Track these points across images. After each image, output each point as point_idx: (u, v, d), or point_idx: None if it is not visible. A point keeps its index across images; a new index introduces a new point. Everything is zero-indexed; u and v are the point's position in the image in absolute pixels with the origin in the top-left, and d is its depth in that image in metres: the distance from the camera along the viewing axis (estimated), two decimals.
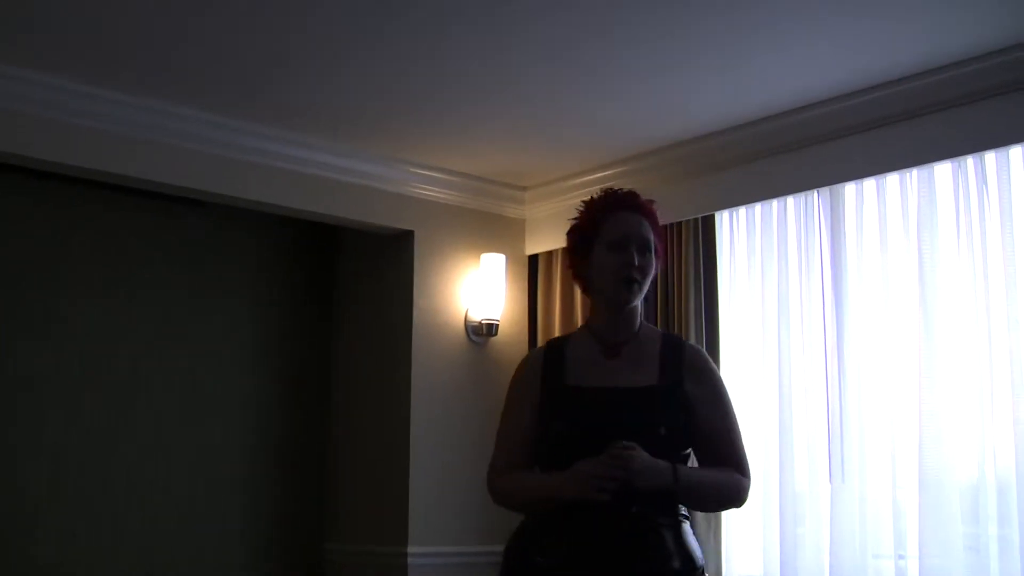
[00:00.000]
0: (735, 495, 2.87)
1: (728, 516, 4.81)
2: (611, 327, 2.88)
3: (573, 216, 2.93)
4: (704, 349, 4.88)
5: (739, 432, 2.90)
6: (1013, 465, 4.00)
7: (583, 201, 2.93)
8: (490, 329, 5.50)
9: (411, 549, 5.13)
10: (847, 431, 4.45)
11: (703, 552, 4.64)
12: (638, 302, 2.88)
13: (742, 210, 4.99)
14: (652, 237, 2.86)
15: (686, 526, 2.77)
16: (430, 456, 5.25)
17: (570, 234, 2.94)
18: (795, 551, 4.55)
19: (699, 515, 4.76)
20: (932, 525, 4.14)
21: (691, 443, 2.82)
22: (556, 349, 2.94)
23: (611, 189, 2.93)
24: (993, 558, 4.02)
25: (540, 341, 5.66)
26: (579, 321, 5.50)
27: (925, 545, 4.15)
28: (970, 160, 4.22)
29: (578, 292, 5.51)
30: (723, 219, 5.05)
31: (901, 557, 4.24)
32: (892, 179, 4.46)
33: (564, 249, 3.01)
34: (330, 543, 5.63)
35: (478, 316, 5.51)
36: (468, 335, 5.52)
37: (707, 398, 2.85)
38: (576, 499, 2.66)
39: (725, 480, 2.83)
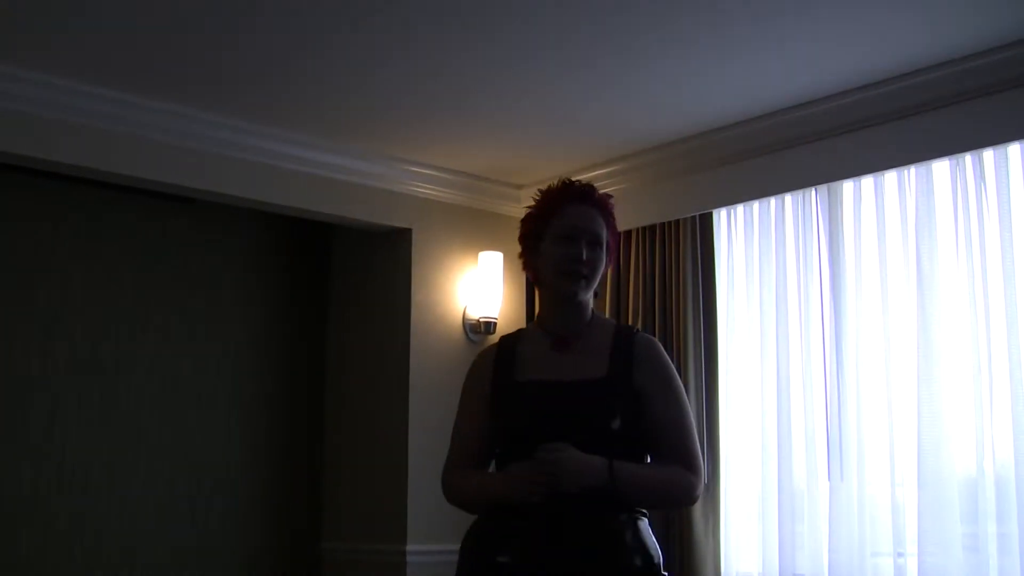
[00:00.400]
0: (681, 493, 2.76)
1: (727, 514, 4.81)
2: (560, 320, 2.83)
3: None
4: (705, 348, 4.94)
5: (691, 426, 2.80)
6: (1012, 462, 4.00)
7: (539, 190, 2.89)
8: (488, 327, 5.49)
9: (410, 547, 5.13)
10: (845, 429, 4.45)
11: (701, 550, 4.72)
12: (587, 296, 2.82)
13: (739, 208, 4.99)
14: (604, 233, 2.81)
15: (644, 523, 2.71)
16: (428, 454, 5.22)
17: (522, 224, 2.90)
18: (794, 549, 4.55)
19: (697, 514, 4.77)
20: (931, 523, 4.14)
21: (643, 436, 2.75)
22: (508, 345, 2.90)
23: (568, 180, 2.88)
24: (992, 556, 4.03)
25: None
26: None
27: (924, 543, 4.15)
28: (968, 157, 4.22)
29: None
30: (721, 217, 5.05)
31: (900, 555, 4.25)
32: (890, 177, 4.46)
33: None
34: (328, 542, 5.62)
35: (476, 314, 5.51)
36: (466, 333, 5.51)
37: (658, 390, 2.77)
38: (511, 501, 2.63)
39: (669, 477, 2.73)
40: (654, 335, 5.04)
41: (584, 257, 2.76)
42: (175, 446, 5.21)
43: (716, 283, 4.98)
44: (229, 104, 4.65)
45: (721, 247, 5.03)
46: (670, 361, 2.86)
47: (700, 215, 5.04)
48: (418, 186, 5.42)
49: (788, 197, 4.78)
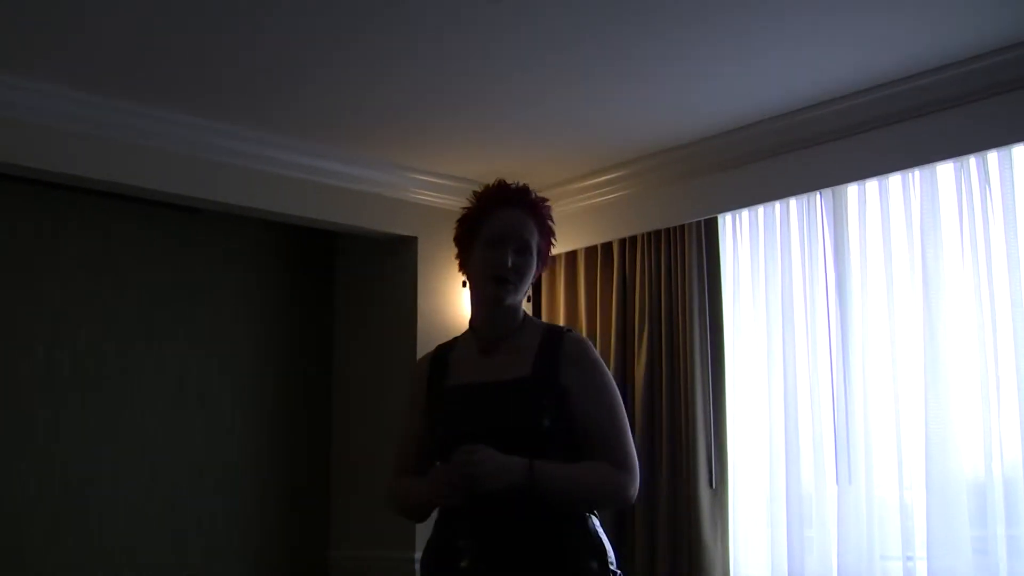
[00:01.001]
0: (611, 492, 2.67)
1: (735, 519, 4.80)
2: (488, 324, 2.80)
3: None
4: (711, 353, 4.94)
5: (623, 425, 2.71)
6: (1020, 464, 4.00)
7: (473, 191, 2.86)
8: None
9: (419, 555, 5.08)
10: (853, 433, 4.44)
11: (710, 555, 4.71)
12: (514, 301, 2.77)
13: (744, 212, 4.98)
14: (534, 238, 2.77)
15: (593, 521, 2.66)
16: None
17: (457, 225, 2.86)
18: (802, 553, 4.54)
19: (705, 519, 4.76)
20: (940, 526, 4.13)
21: (575, 437, 2.68)
22: (442, 352, 2.90)
23: (502, 182, 2.84)
24: (1002, 559, 4.02)
25: None
26: (584, 325, 5.50)
27: (933, 546, 4.14)
28: (972, 159, 4.22)
29: (582, 296, 5.52)
30: (726, 221, 5.05)
31: (909, 559, 4.24)
32: (894, 179, 4.46)
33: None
34: (336, 550, 5.62)
35: None
36: None
37: (586, 389, 2.69)
38: (433, 504, 2.71)
39: (595, 476, 2.65)
40: (660, 340, 5.07)
41: (510, 263, 2.72)
42: (179, 451, 5.22)
43: (722, 287, 4.98)
44: (234, 113, 4.66)
45: (726, 251, 5.03)
46: (600, 360, 2.78)
47: (705, 220, 5.04)
48: (423, 194, 5.43)
49: (793, 201, 4.78)
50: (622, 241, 5.37)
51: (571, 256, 5.63)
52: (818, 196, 4.70)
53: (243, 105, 4.57)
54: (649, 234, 5.23)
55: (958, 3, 3.73)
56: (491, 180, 5.38)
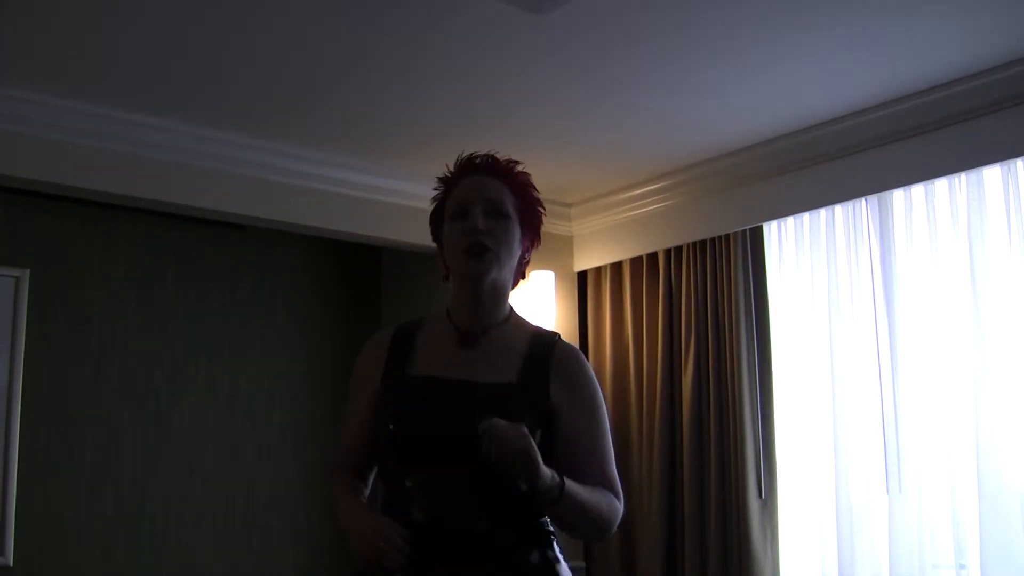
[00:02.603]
0: (611, 522, 2.35)
1: (784, 528, 4.77)
2: (468, 312, 2.42)
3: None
4: (759, 362, 4.92)
5: (610, 448, 2.40)
6: None
7: (437, 178, 2.57)
8: None
9: None
10: (903, 440, 4.41)
11: (760, 564, 4.68)
12: (498, 275, 2.40)
13: (790, 220, 4.96)
14: (507, 199, 2.42)
15: (556, 547, 2.35)
16: None
17: (430, 217, 2.56)
18: (853, 562, 4.50)
19: (755, 527, 4.74)
20: (993, 533, 4.08)
21: (552, 459, 2.27)
22: (406, 333, 2.47)
23: (464, 155, 2.53)
24: None
25: (591, 357, 5.65)
26: (630, 336, 5.49)
27: (986, 554, 4.09)
28: (1020, 162, 4.18)
29: (628, 306, 5.51)
30: (771, 230, 5.03)
31: (962, 567, 4.19)
32: (941, 184, 4.42)
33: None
34: None
35: None
36: None
37: (575, 405, 2.35)
38: (359, 559, 2.22)
39: (606, 504, 2.33)
40: (707, 350, 5.05)
41: (481, 226, 2.36)
42: (230, 467, 5.27)
43: (768, 296, 4.96)
44: (277, 131, 4.71)
45: (772, 260, 5.01)
46: (594, 375, 2.46)
47: (751, 229, 5.02)
48: None
49: (838, 208, 4.75)
50: (667, 251, 5.36)
51: (616, 267, 5.63)
52: (864, 202, 4.67)
53: (286, 123, 4.61)
54: (694, 244, 5.22)
55: (1004, 6, 3.70)
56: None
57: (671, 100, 4.44)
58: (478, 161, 2.49)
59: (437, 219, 2.53)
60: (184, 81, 4.20)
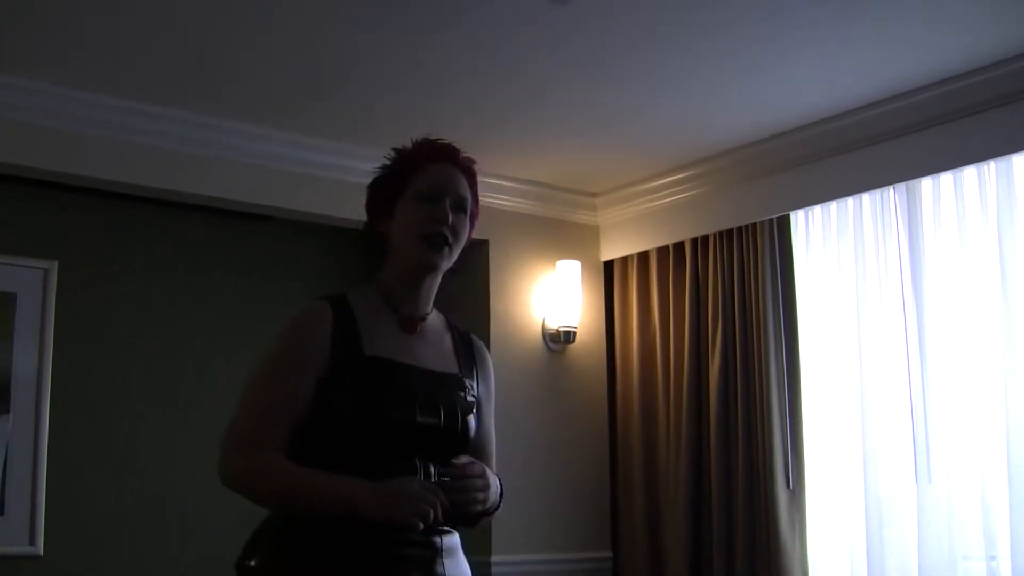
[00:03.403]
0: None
1: (813, 519, 4.75)
2: (411, 297, 2.45)
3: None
4: (786, 352, 4.89)
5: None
6: None
7: (393, 149, 2.52)
8: (567, 336, 5.49)
9: (495, 558, 5.13)
10: (932, 431, 4.37)
11: (788, 556, 4.66)
12: (446, 268, 2.46)
13: (817, 209, 4.93)
14: (469, 197, 2.46)
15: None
16: (511, 464, 5.22)
17: (371, 188, 2.54)
18: (882, 554, 4.48)
19: (783, 519, 4.72)
20: (1023, 524, 4.05)
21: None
22: (343, 309, 2.40)
23: (428, 138, 2.52)
24: None
25: (618, 348, 5.65)
26: (657, 325, 5.47)
27: (1017, 545, 4.06)
28: None
29: (655, 296, 5.49)
30: (798, 218, 5.00)
31: (993, 558, 4.16)
32: (969, 172, 4.38)
33: (365, 204, 2.60)
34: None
35: (555, 324, 5.50)
36: (545, 343, 5.52)
37: (488, 397, 2.52)
38: (378, 521, 2.19)
39: (500, 490, 2.45)
40: (734, 339, 5.06)
41: (449, 220, 2.39)
42: None
43: (795, 285, 4.93)
44: (300, 121, 4.72)
45: (799, 249, 4.98)
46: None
47: (778, 217, 5.00)
48: (493, 197, 5.44)
49: (866, 196, 4.72)
50: (694, 241, 5.34)
51: (643, 256, 5.61)
52: (892, 191, 4.64)
53: (308, 114, 4.63)
54: (721, 233, 5.20)
55: None
56: (559, 182, 5.51)
57: (697, 88, 4.42)
58: (445, 148, 2.50)
59: (387, 193, 2.49)
60: (210, 74, 4.22)
